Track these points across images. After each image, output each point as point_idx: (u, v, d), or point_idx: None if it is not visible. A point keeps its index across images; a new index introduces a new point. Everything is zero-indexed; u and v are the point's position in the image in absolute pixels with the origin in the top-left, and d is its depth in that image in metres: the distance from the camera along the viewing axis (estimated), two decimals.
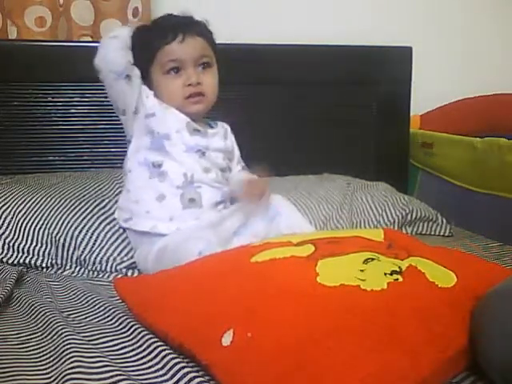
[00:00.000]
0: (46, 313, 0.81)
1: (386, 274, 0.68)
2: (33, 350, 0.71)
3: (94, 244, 1.09)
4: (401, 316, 0.62)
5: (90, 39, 1.50)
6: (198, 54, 1.07)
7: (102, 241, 1.10)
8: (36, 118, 1.45)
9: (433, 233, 1.37)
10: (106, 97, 1.47)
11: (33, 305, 0.85)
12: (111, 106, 1.47)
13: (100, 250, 1.08)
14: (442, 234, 1.37)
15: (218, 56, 1.12)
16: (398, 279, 0.68)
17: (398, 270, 0.70)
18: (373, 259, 0.72)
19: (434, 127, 1.71)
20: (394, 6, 1.80)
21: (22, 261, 1.06)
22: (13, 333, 0.76)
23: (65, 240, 1.09)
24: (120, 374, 0.62)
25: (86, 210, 1.14)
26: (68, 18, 1.48)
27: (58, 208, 1.14)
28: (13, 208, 1.13)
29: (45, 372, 0.65)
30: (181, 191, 1.05)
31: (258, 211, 1.09)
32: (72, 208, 1.15)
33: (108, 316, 0.81)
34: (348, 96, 1.65)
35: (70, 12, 1.48)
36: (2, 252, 1.07)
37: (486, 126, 1.51)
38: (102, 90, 1.47)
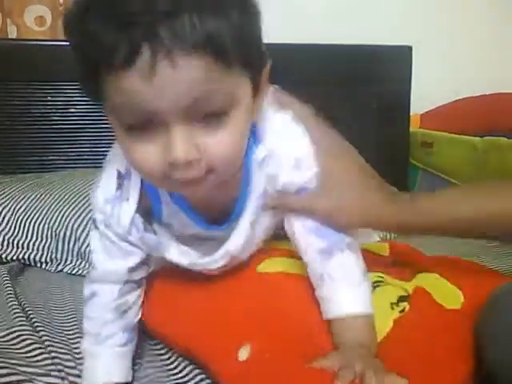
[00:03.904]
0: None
1: (392, 304, 0.66)
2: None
3: None
4: (403, 358, 0.60)
5: None
6: (192, 99, 0.49)
7: None
8: (36, 118, 1.44)
9: None
10: None
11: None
12: None
13: None
14: None
15: (258, 68, 0.56)
16: (404, 309, 0.66)
17: (405, 294, 0.68)
18: (380, 282, 0.70)
19: (434, 126, 1.71)
20: (393, 5, 1.80)
21: (21, 256, 1.07)
22: None
23: (65, 233, 1.09)
24: None
25: (86, 202, 1.14)
26: None
27: (58, 202, 1.15)
28: (13, 205, 1.13)
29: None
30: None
31: None
32: (72, 201, 1.15)
33: None
34: (348, 95, 1.64)
35: None
36: (2, 248, 1.08)
37: (487, 126, 1.51)
38: None
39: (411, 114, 1.73)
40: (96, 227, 0.65)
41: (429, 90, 1.73)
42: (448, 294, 0.70)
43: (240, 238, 0.66)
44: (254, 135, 0.61)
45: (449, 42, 1.85)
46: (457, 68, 1.84)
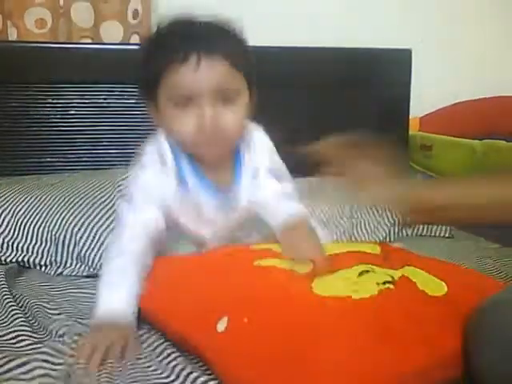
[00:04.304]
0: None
1: (378, 283, 0.70)
2: None
3: (93, 240, 1.09)
4: (389, 316, 0.63)
5: (90, 41, 1.50)
6: (218, 85, 0.82)
7: (100, 236, 1.09)
8: (36, 120, 1.44)
9: (433, 234, 1.37)
10: (105, 98, 1.49)
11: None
12: (110, 107, 1.49)
13: (100, 246, 1.08)
14: (441, 235, 1.36)
15: (252, 80, 0.88)
16: (389, 287, 0.69)
17: (390, 279, 0.71)
18: (368, 271, 0.73)
19: (433, 129, 1.71)
20: (393, 8, 1.81)
21: (20, 259, 1.06)
22: None
23: (64, 237, 1.09)
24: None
25: (86, 206, 1.14)
26: (68, 19, 1.48)
27: (58, 205, 1.14)
28: (12, 207, 1.13)
29: None
30: (194, 245, 0.94)
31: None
32: (71, 205, 1.15)
33: None
34: (347, 98, 1.65)
35: (70, 14, 1.48)
36: (1, 251, 1.07)
37: (486, 129, 1.51)
38: (102, 91, 1.49)
39: (410, 117, 1.73)
40: (130, 201, 0.87)
41: (428, 93, 1.73)
42: (432, 285, 0.72)
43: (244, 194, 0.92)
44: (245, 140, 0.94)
45: (448, 45, 1.85)
46: (456, 71, 1.84)
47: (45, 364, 0.65)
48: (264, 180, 0.94)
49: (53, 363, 0.65)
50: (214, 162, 0.90)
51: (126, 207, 0.87)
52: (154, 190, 0.87)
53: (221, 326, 0.62)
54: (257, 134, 0.95)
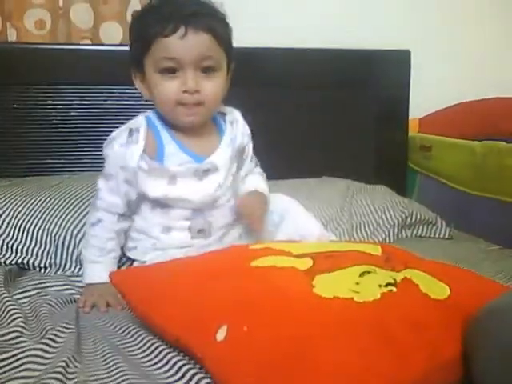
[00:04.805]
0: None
1: (380, 285, 0.70)
2: None
3: None
4: (391, 322, 0.63)
5: (90, 42, 1.51)
6: (201, 55, 0.91)
7: None
8: (36, 121, 1.45)
9: (432, 235, 1.37)
10: (105, 100, 1.49)
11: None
12: (111, 108, 1.49)
13: None
14: (441, 236, 1.37)
15: (230, 56, 0.98)
16: (392, 290, 0.69)
17: (392, 282, 0.71)
18: (369, 272, 0.73)
19: (432, 130, 1.71)
20: (392, 9, 1.81)
21: (20, 261, 1.06)
22: None
23: (64, 239, 1.09)
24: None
25: (86, 208, 1.13)
26: (67, 20, 1.49)
27: (58, 207, 1.14)
28: (12, 209, 1.13)
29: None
30: (188, 223, 0.98)
31: (257, 231, 1.03)
32: (71, 207, 1.15)
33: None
34: (347, 99, 1.65)
35: (69, 15, 1.48)
36: (1, 253, 1.07)
37: (485, 130, 1.51)
38: (102, 92, 1.49)
39: (410, 118, 1.73)
40: (105, 177, 0.98)
41: (427, 94, 1.73)
42: (435, 288, 0.72)
43: (221, 159, 0.99)
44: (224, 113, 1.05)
45: (447, 45, 1.85)
46: (456, 72, 1.84)
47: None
48: (248, 162, 1.09)
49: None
50: (193, 130, 0.98)
51: (101, 181, 0.99)
52: (120, 158, 0.95)
53: (220, 335, 0.62)
54: (241, 117, 1.06)
